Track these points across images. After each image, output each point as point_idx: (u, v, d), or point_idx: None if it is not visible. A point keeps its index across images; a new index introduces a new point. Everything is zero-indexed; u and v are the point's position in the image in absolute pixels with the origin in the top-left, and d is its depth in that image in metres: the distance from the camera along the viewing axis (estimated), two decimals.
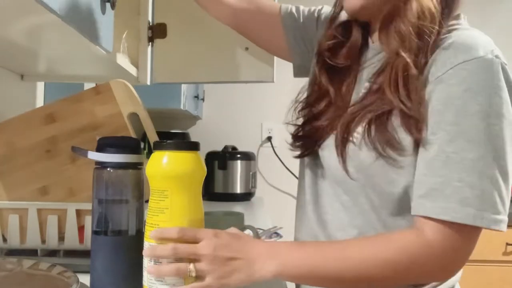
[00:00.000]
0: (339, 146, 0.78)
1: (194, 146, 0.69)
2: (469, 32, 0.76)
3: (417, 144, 0.73)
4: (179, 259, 0.67)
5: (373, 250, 0.72)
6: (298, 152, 0.89)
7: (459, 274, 0.81)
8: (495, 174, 0.69)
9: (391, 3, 0.77)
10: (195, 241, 0.68)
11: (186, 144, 0.68)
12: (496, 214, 0.69)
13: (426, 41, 0.74)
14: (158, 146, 0.68)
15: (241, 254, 0.70)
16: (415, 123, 0.72)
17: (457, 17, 0.80)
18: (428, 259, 0.70)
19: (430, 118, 0.72)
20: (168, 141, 0.68)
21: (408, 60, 0.73)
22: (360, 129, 0.76)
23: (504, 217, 0.70)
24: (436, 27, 0.74)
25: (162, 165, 0.67)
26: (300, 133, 0.89)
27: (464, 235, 0.70)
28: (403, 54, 0.74)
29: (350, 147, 0.77)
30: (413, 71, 0.73)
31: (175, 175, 0.67)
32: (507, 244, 2.18)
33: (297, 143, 0.89)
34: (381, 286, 0.75)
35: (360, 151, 0.76)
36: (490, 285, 2.13)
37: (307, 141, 0.87)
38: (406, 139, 0.73)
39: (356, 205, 0.79)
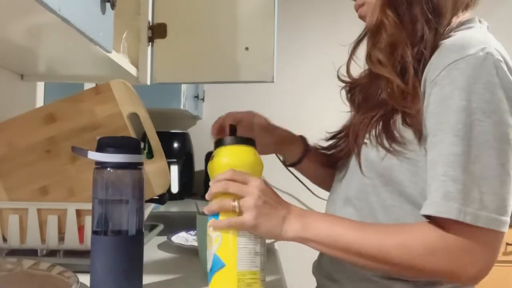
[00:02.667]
0: (353, 147, 0.83)
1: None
2: (464, 32, 0.76)
3: (419, 137, 0.74)
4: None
5: (395, 231, 0.74)
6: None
7: None
8: (480, 170, 0.68)
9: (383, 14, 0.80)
10: (244, 183, 0.75)
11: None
12: (483, 210, 0.67)
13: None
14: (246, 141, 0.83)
15: (282, 206, 0.76)
16: (413, 117, 0.75)
17: (470, 21, 0.80)
18: (440, 253, 0.70)
19: (429, 121, 0.73)
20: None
21: (388, 76, 0.78)
22: (370, 129, 0.80)
23: (497, 216, 0.68)
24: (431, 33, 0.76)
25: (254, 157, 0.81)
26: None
27: (463, 234, 0.68)
28: (384, 73, 0.79)
29: (363, 146, 0.81)
30: (397, 82, 0.77)
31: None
32: (507, 244, 2.17)
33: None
34: (396, 271, 0.75)
35: (370, 149, 0.79)
36: (490, 285, 2.13)
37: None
38: (408, 133, 0.75)
39: (367, 205, 0.81)
